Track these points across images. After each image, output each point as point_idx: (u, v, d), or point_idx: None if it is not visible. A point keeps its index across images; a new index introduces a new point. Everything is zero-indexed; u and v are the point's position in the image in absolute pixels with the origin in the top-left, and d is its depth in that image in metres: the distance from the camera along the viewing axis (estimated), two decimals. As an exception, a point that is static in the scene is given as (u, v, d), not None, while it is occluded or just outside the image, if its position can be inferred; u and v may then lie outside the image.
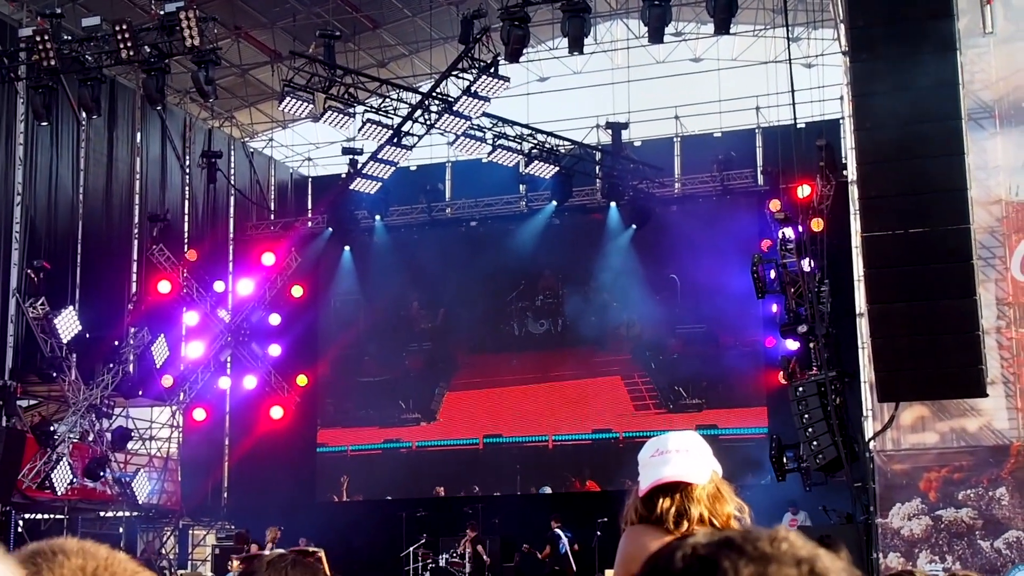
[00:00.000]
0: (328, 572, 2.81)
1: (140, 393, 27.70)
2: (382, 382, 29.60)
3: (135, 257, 28.81)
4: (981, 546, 21.00)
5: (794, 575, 1.01)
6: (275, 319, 29.78)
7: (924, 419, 21.74)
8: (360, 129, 26.60)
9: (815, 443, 22.01)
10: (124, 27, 22.69)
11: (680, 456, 3.43)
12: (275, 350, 29.63)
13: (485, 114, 26.11)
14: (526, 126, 27.86)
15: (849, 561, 1.09)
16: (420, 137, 27.01)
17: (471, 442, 28.89)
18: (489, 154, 27.43)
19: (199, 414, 29.55)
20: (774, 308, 25.34)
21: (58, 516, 25.75)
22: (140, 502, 26.62)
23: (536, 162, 27.80)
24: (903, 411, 21.62)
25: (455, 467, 28.66)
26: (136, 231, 28.84)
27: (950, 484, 21.30)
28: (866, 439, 22.23)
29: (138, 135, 29.02)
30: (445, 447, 28.97)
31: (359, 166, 27.89)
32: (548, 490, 27.74)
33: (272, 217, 32.08)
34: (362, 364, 29.99)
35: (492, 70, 24.26)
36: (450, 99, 25.50)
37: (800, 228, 23.89)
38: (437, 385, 29.37)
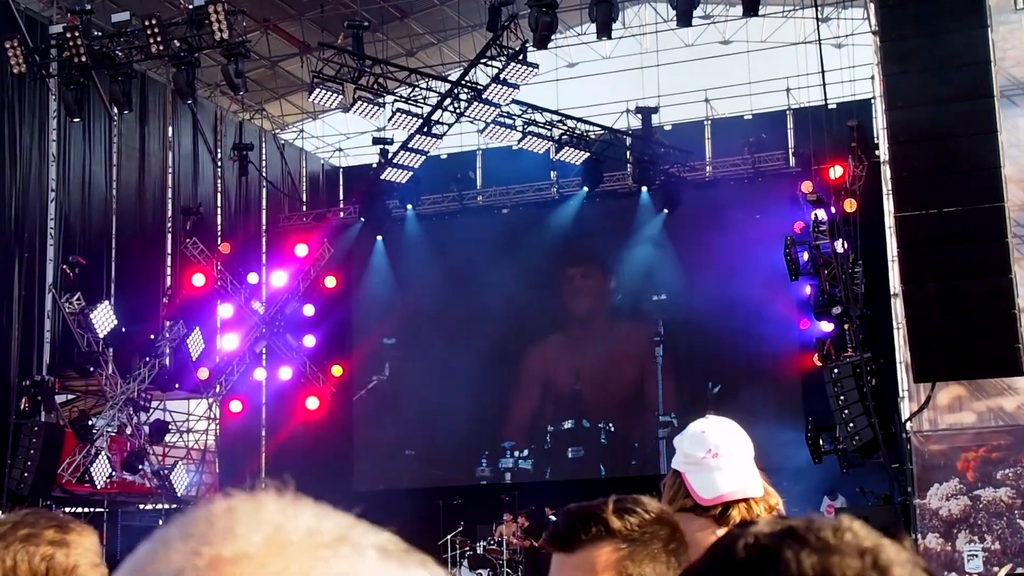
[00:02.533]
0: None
1: (177, 386, 27.86)
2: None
3: (169, 251, 28.94)
4: (1020, 525, 20.89)
5: (857, 566, 1.00)
6: (309, 310, 29.89)
7: (961, 399, 21.64)
8: (390, 119, 26.63)
9: (851, 425, 21.96)
10: (154, 22, 22.78)
11: (735, 462, 3.41)
12: (310, 341, 29.75)
13: (514, 101, 26.09)
14: (556, 112, 27.82)
15: (913, 551, 1.09)
16: (450, 125, 27.02)
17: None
18: (519, 141, 27.42)
19: (235, 406, 29.70)
20: (808, 290, 25.26)
21: (98, 509, 25.95)
22: (179, 494, 26.77)
23: (566, 148, 27.77)
24: (939, 391, 21.54)
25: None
26: (169, 225, 28.97)
27: (988, 464, 21.20)
28: (902, 420, 22.15)
29: (169, 129, 29.15)
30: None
31: (390, 156, 27.93)
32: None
33: (304, 208, 32.16)
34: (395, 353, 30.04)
35: (521, 57, 24.24)
36: (479, 87, 25.50)
37: (833, 209, 23.81)
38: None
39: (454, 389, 28.25)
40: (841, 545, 1.01)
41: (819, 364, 24.02)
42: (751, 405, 24.12)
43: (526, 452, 28.71)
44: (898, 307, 21.89)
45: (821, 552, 1.01)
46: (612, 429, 28.27)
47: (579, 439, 28.39)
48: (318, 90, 25.30)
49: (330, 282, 29.99)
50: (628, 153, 28.62)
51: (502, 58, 24.52)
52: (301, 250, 30.00)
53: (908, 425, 21.84)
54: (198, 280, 28.38)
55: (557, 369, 28.83)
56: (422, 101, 26.56)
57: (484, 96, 25.18)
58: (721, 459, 3.39)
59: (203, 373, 28.24)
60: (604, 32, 22.93)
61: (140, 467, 25.99)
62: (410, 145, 27.06)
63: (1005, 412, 21.45)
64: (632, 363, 28.35)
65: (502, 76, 24.49)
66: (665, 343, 28.16)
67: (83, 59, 23.14)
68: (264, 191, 31.68)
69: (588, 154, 27.94)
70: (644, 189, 28.40)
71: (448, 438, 28.31)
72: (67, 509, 25.18)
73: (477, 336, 28.77)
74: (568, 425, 28.51)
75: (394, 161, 27.69)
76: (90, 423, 25.21)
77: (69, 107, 24.17)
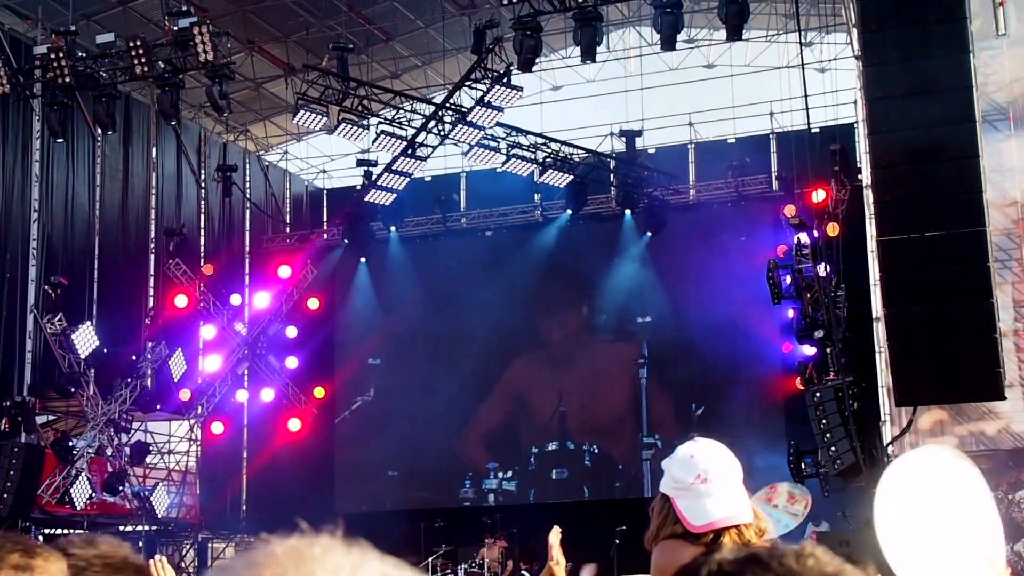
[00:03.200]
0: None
1: (158, 407, 27.75)
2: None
3: (152, 272, 28.89)
4: (1002, 549, 20.90)
5: None
6: (292, 332, 29.86)
7: (942, 423, 21.69)
8: (374, 141, 26.64)
9: (833, 449, 21.96)
10: (138, 43, 22.77)
11: (724, 488, 3.36)
12: (292, 362, 29.70)
13: (499, 124, 26.15)
14: (540, 135, 27.89)
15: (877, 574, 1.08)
16: (434, 148, 27.04)
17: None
18: (503, 164, 27.47)
19: (217, 427, 29.61)
20: (790, 313, 25.30)
21: (77, 531, 25.77)
22: (159, 516, 26.64)
23: (550, 171, 27.83)
24: (921, 415, 21.58)
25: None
26: (152, 246, 28.91)
27: (969, 488, 21.19)
28: (884, 444, 22.18)
29: (153, 150, 29.11)
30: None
31: (374, 178, 27.94)
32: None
33: (288, 230, 32.13)
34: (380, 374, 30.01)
35: (505, 80, 24.29)
36: (463, 109, 25.54)
37: (815, 233, 23.87)
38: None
39: (438, 410, 28.25)
40: (804, 571, 1.01)
41: (801, 388, 24.04)
42: (734, 427, 24.16)
43: (510, 474, 28.67)
44: (880, 331, 21.97)
45: None
46: (596, 451, 28.25)
47: (563, 461, 28.36)
48: (302, 112, 25.31)
49: (313, 304, 29.97)
50: (612, 176, 28.69)
51: (486, 81, 24.57)
52: (284, 272, 29.97)
53: (890, 449, 21.87)
54: (181, 301, 28.33)
55: (541, 391, 28.82)
56: (406, 123, 26.59)
57: (468, 119, 25.23)
58: (711, 484, 3.35)
59: (185, 394, 28.15)
60: (588, 55, 22.99)
61: (120, 488, 25.85)
62: (394, 167, 27.07)
63: (986, 436, 21.51)
64: (616, 384, 28.35)
65: (486, 99, 24.54)
66: (649, 364, 28.17)
67: (67, 80, 23.10)
68: (248, 212, 31.65)
69: (572, 177, 28.00)
70: (628, 212, 28.45)
71: (432, 459, 28.28)
72: (47, 531, 25.05)
73: (461, 357, 28.77)
74: (552, 447, 28.48)
75: (378, 183, 27.69)
76: (71, 444, 25.10)
77: (52, 128, 24.11)
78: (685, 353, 27.31)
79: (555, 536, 6.80)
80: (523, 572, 23.37)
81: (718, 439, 3.55)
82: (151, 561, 5.00)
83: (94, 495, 25.12)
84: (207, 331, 29.43)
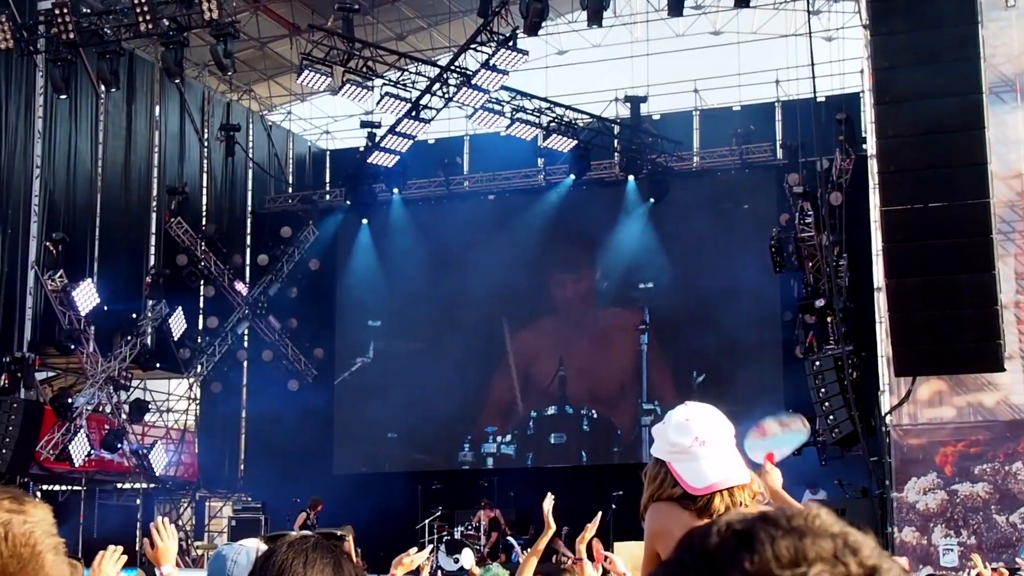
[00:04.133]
0: (354, 554, 2.80)
1: (158, 365, 27.83)
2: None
3: (153, 230, 28.89)
4: (996, 521, 20.98)
5: (830, 547, 1.03)
6: (292, 292, 29.89)
7: (941, 393, 21.71)
8: (378, 102, 26.59)
9: (831, 417, 22.02)
10: (143, 0, 22.69)
11: (720, 450, 3.39)
12: (292, 323, 29.75)
13: (503, 87, 26.09)
14: (544, 99, 27.81)
15: (873, 537, 1.12)
16: (438, 110, 26.99)
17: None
18: (507, 127, 27.41)
19: (216, 386, 29.72)
20: (792, 282, 25.31)
21: (76, 488, 25.92)
22: (157, 474, 26.75)
23: (554, 136, 27.78)
24: (920, 385, 21.60)
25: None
26: (155, 204, 28.90)
27: (966, 459, 21.28)
28: (882, 413, 22.22)
29: (157, 108, 29.06)
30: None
31: (377, 139, 27.90)
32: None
33: (290, 190, 32.09)
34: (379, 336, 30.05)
35: (511, 43, 24.21)
36: (468, 72, 25.47)
37: (819, 202, 23.84)
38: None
39: (438, 373, 28.28)
40: (813, 528, 1.04)
41: (801, 356, 24.07)
42: (735, 394, 24.18)
43: (509, 437, 28.75)
44: (881, 301, 21.96)
45: (794, 535, 1.03)
46: (595, 416, 28.31)
47: (562, 425, 28.43)
48: (307, 72, 25.25)
49: (314, 265, 29.98)
50: (616, 142, 28.63)
51: (492, 44, 24.49)
52: (286, 232, 30.00)
53: (888, 419, 21.91)
54: (182, 260, 28.39)
55: (541, 355, 28.85)
56: (411, 85, 26.52)
57: (473, 82, 25.16)
58: (708, 447, 3.37)
59: (185, 353, 28.22)
60: (595, 20, 22.90)
61: (119, 446, 25.94)
62: (398, 129, 27.03)
63: (985, 407, 21.53)
64: (617, 350, 28.38)
65: (491, 62, 24.47)
66: (651, 331, 28.18)
67: (71, 36, 23.05)
68: (250, 172, 31.61)
69: (576, 142, 27.94)
70: (631, 178, 28.40)
71: (431, 422, 28.31)
72: (45, 487, 25.16)
73: (462, 320, 28.80)
74: (551, 411, 28.54)
75: (381, 145, 27.66)
76: (70, 401, 25.17)
77: (56, 84, 24.08)
78: (687, 320, 27.32)
79: (548, 504, 6.87)
80: (509, 538, 23.46)
81: (718, 407, 3.56)
82: (152, 525, 5.03)
83: (93, 452, 25.21)
84: (208, 290, 29.48)
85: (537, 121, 27.62)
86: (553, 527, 6.92)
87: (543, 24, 23.62)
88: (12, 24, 23.32)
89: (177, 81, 25.84)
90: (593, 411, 28.35)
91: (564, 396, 28.53)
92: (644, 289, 28.31)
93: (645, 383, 28.15)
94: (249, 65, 30.44)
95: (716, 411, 3.48)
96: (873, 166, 21.82)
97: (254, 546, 3.66)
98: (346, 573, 2.53)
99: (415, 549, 6.31)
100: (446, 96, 26.28)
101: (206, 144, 30.26)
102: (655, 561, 3.49)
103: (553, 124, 27.72)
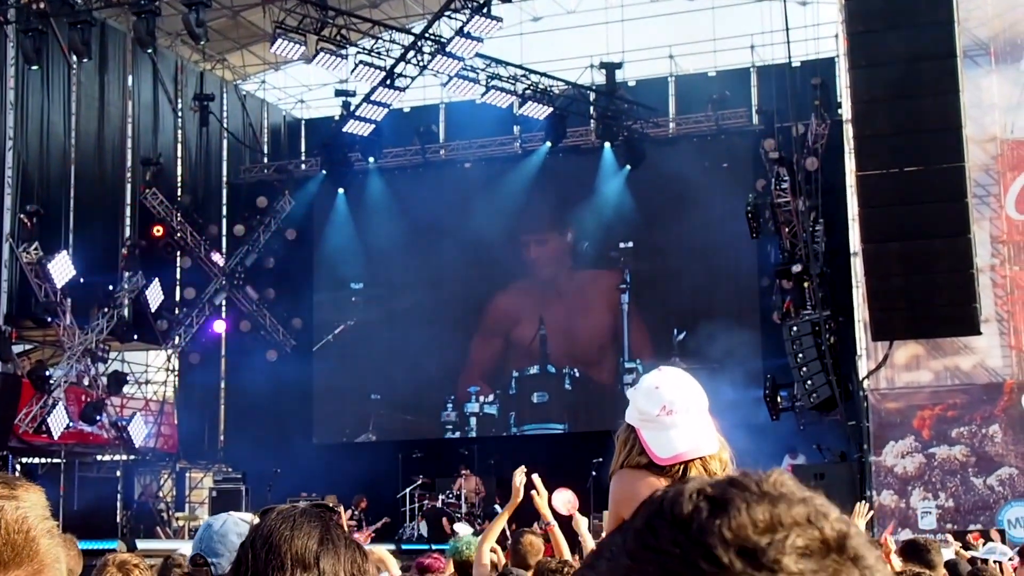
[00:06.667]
0: (345, 526, 2.80)
1: (135, 337, 27.74)
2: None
3: (128, 201, 28.74)
4: (974, 483, 21.14)
5: (804, 512, 1.03)
6: (269, 262, 29.82)
7: (918, 357, 21.82)
8: (352, 71, 26.47)
9: (809, 382, 22.12)
10: (113, -31, 22.53)
11: (689, 419, 3.33)
12: (270, 293, 29.69)
13: (478, 55, 25.99)
14: (519, 67, 27.74)
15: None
16: (413, 79, 26.89)
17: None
18: (482, 95, 27.34)
19: (194, 357, 29.65)
20: (769, 247, 25.36)
21: (55, 460, 25.84)
22: (137, 445, 26.70)
23: (530, 103, 27.72)
24: (897, 350, 21.72)
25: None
26: (129, 175, 28.73)
27: (943, 422, 21.42)
28: (860, 378, 22.33)
29: (129, 78, 28.86)
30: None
31: (352, 108, 27.79)
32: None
33: (265, 160, 31.97)
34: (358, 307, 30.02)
35: (485, 10, 24.12)
36: (443, 40, 25.36)
37: (795, 167, 23.87)
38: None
39: (419, 337, 28.31)
40: (784, 494, 1.04)
41: (778, 321, 24.15)
42: (713, 356, 24.27)
43: (491, 397, 28.82)
44: (858, 266, 22.03)
45: (767, 500, 1.03)
46: (577, 375, 28.42)
47: (544, 384, 28.49)
48: (280, 40, 25.11)
49: (291, 235, 29.91)
50: (592, 108, 28.59)
51: (466, 11, 24.39)
52: (262, 202, 29.91)
53: (865, 383, 22.02)
54: (158, 231, 28.28)
55: (522, 316, 28.90)
56: (385, 53, 26.41)
57: (448, 49, 25.06)
58: (676, 416, 3.31)
59: (162, 324, 28.14)
60: (569, -14, 22.81)
61: (98, 418, 25.87)
62: (372, 98, 26.92)
63: (961, 371, 21.66)
64: (598, 310, 28.46)
65: (466, 29, 24.38)
66: (631, 290, 28.24)
67: (41, 6, 22.86)
68: (225, 142, 31.46)
69: (551, 109, 27.89)
70: (607, 145, 28.38)
71: (414, 383, 28.31)
72: (24, 460, 25.09)
73: (442, 286, 28.82)
74: (533, 371, 28.62)
75: (356, 114, 27.56)
76: (47, 373, 25.07)
77: (27, 54, 23.88)
78: (666, 279, 27.44)
79: (519, 476, 6.93)
80: (496, 506, 23.53)
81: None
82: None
83: (71, 425, 25.14)
84: (184, 261, 29.38)
85: (512, 88, 27.55)
86: (519, 498, 6.98)
87: (518, -9, 23.52)
88: (-18, -5, 23.12)
89: (149, 51, 25.65)
90: (575, 370, 28.44)
91: (545, 355, 28.59)
92: (624, 248, 28.36)
93: (627, 342, 28.24)
94: (222, 34, 30.23)
95: (689, 378, 3.41)
96: (848, 131, 21.84)
97: (249, 517, 3.68)
98: (335, 539, 2.54)
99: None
100: (421, 64, 26.18)
101: (180, 114, 30.09)
102: None
103: (528, 91, 27.66)
